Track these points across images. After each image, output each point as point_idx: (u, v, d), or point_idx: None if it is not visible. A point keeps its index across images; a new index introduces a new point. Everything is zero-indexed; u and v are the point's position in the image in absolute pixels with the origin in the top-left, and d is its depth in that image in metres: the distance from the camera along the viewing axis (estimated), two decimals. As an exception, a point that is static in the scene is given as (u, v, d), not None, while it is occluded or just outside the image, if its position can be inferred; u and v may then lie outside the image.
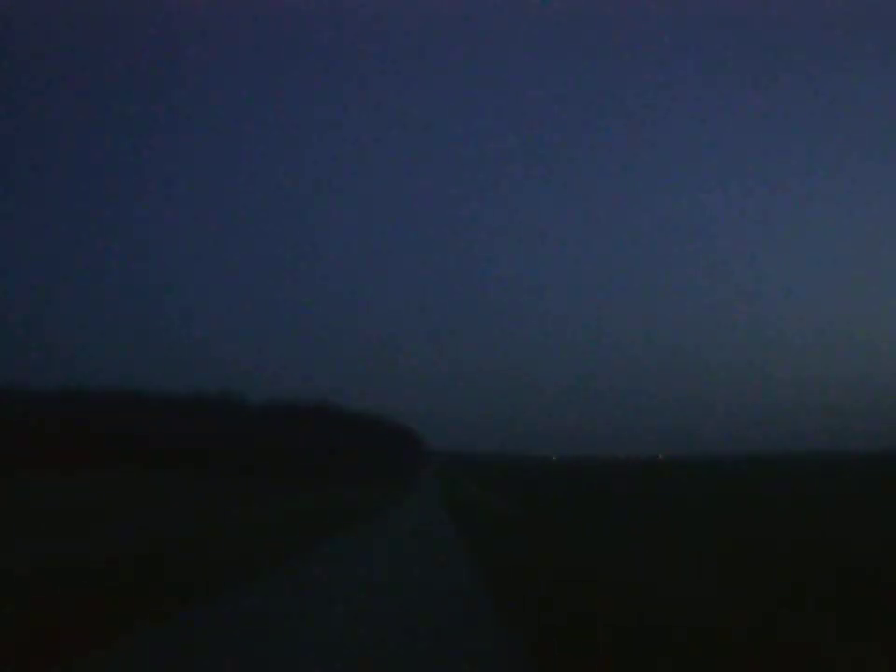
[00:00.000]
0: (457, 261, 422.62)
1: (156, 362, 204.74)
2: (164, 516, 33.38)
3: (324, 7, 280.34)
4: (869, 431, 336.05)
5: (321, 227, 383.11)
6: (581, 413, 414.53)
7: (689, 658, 8.35)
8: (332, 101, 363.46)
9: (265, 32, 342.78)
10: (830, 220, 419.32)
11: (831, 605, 12.36)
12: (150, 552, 18.24)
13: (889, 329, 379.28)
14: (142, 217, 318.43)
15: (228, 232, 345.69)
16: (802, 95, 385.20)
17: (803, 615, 11.64)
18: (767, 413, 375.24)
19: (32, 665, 7.83)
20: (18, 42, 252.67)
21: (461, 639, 9.31)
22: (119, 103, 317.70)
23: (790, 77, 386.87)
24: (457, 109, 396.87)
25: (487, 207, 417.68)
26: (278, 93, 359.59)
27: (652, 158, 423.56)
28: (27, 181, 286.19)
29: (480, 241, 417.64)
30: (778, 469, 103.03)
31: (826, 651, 8.91)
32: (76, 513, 32.63)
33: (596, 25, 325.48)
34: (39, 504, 38.34)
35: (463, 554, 19.88)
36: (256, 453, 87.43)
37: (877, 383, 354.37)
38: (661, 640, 9.16)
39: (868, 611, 11.55)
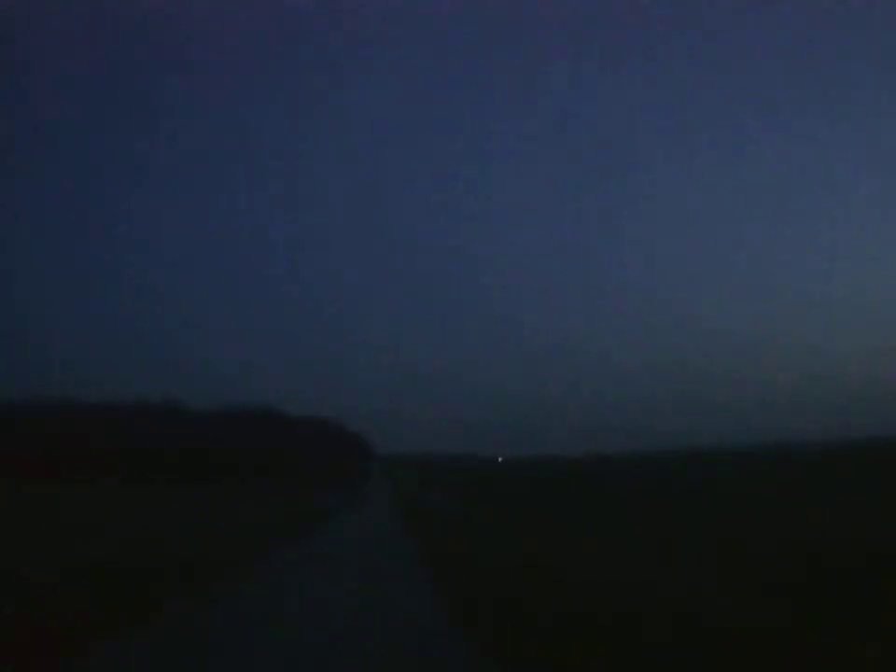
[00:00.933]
0: (411, 259, 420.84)
1: (95, 368, 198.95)
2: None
3: (324, 5, 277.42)
4: (868, 421, 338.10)
5: (271, 222, 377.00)
6: (526, 414, 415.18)
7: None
8: (336, 100, 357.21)
9: (267, 31, 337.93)
10: (830, 220, 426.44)
11: (825, 600, 12.45)
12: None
13: (889, 324, 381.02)
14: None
15: (168, 229, 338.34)
16: (802, 95, 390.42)
17: (784, 608, 11.90)
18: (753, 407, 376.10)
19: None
20: (19, 42, 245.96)
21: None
22: (120, 101, 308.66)
23: (790, 75, 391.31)
24: (455, 112, 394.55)
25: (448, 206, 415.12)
26: (279, 93, 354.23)
27: (653, 157, 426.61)
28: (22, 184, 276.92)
29: (434, 234, 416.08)
30: (755, 463, 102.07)
31: (822, 650, 8.96)
32: None
33: (596, 25, 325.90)
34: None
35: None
36: (197, 460, 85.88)
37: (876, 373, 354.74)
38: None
39: (867, 607, 11.61)
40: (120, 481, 74.74)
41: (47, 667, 8.14)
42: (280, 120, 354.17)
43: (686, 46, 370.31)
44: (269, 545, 23.60)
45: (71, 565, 16.48)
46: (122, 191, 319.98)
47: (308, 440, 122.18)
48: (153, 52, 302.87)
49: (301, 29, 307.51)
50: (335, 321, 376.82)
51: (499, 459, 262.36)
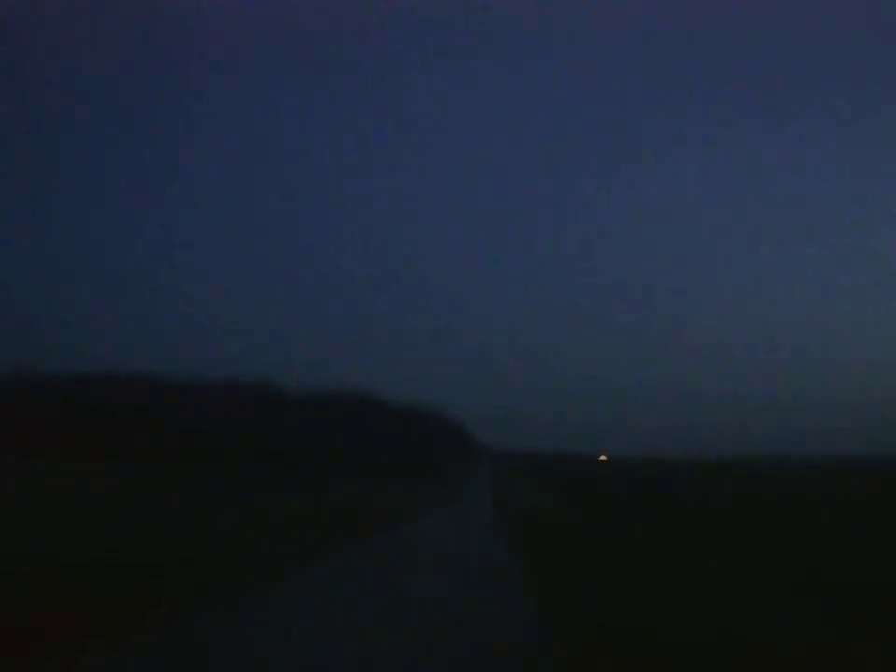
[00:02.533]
0: (519, 258, 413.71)
1: (184, 347, 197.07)
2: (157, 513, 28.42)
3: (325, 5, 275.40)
4: (870, 434, 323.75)
5: (365, 210, 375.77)
6: (633, 413, 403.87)
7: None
8: (348, 93, 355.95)
9: (270, 29, 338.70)
10: (831, 219, 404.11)
11: (826, 606, 12.55)
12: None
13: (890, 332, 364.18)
14: (174, 196, 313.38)
15: (260, 214, 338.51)
16: (801, 94, 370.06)
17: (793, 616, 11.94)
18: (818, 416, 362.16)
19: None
20: (21, 43, 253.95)
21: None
22: (122, 92, 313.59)
23: (789, 76, 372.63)
24: (474, 103, 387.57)
25: (544, 204, 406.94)
26: (289, 82, 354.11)
27: (657, 157, 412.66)
28: (31, 166, 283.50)
29: (548, 239, 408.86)
30: (789, 470, 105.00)
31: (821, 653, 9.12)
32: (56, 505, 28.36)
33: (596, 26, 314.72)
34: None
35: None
36: (290, 446, 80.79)
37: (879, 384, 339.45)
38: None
39: (866, 613, 11.65)
40: (202, 466, 70.29)
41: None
42: (304, 102, 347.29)
43: (686, 45, 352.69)
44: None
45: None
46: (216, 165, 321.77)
47: (407, 429, 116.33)
48: (155, 48, 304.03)
49: (304, 27, 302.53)
50: (448, 310, 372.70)
51: (602, 458, 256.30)
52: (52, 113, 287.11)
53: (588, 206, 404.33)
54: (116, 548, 16.71)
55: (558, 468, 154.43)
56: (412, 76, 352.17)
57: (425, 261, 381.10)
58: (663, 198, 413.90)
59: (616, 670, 8.91)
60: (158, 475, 58.15)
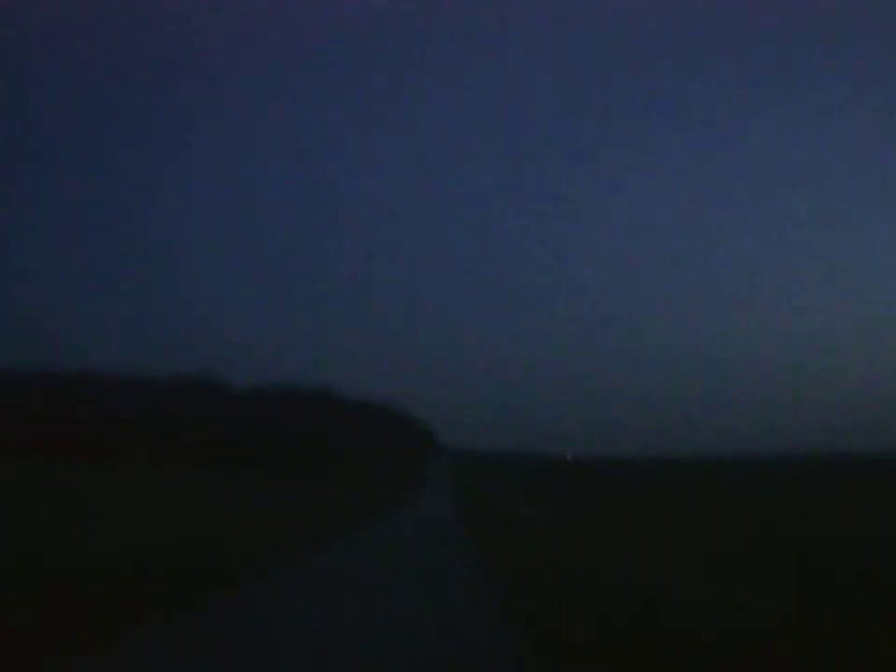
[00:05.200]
0: (483, 254, 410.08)
1: (125, 340, 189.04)
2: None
3: (324, 5, 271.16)
4: (869, 431, 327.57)
5: (328, 203, 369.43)
6: (596, 412, 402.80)
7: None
8: (342, 94, 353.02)
9: (270, 29, 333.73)
10: (830, 219, 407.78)
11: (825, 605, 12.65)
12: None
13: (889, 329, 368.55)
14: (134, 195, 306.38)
15: (218, 205, 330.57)
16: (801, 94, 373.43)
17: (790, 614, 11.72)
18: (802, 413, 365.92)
19: None
20: (24, 43, 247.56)
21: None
22: (123, 91, 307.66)
23: (790, 76, 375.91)
24: (470, 103, 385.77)
25: (515, 203, 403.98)
26: (285, 85, 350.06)
27: (655, 157, 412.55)
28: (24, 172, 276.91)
29: (507, 234, 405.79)
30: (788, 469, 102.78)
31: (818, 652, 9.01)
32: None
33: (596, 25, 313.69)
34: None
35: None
36: (237, 444, 75.00)
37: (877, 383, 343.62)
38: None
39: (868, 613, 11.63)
40: (145, 465, 64.77)
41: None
42: (307, 100, 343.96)
43: (686, 46, 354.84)
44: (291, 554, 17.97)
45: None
46: (157, 163, 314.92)
47: (364, 426, 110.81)
48: (155, 48, 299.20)
49: (303, 27, 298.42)
50: (404, 305, 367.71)
51: (568, 457, 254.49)
52: (50, 113, 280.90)
53: (547, 200, 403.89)
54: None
55: (525, 469, 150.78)
56: (409, 80, 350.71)
57: (388, 255, 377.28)
58: (626, 191, 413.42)
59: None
60: (93, 475, 54.01)
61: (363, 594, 12.64)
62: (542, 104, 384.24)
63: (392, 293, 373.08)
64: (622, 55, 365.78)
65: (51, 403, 73.48)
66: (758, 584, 15.19)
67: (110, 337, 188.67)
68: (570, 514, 40.58)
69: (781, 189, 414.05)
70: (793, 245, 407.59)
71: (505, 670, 8.01)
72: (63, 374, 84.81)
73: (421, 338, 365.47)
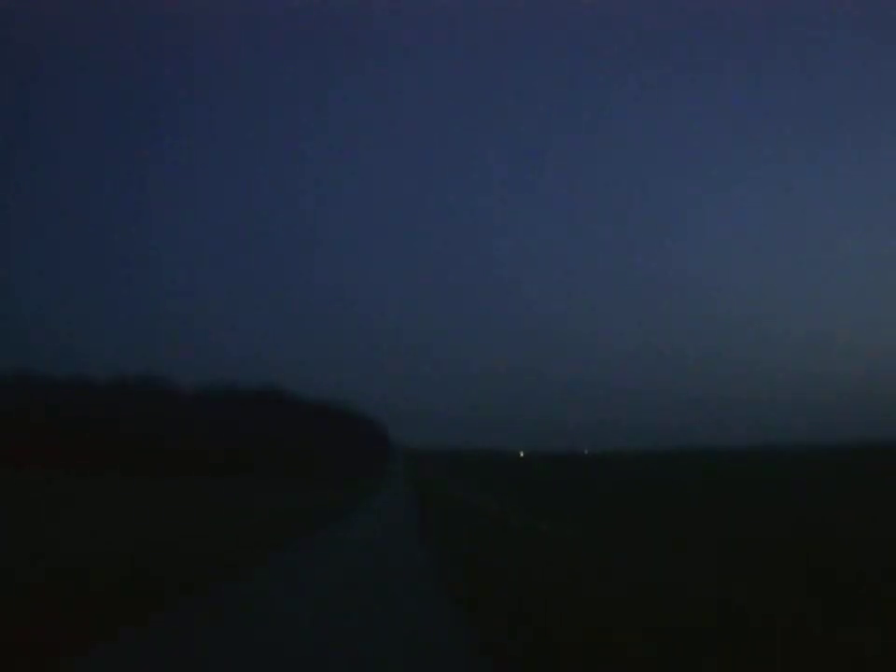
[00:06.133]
0: (437, 250, 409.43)
1: (68, 343, 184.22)
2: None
3: (323, 5, 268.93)
4: (866, 422, 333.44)
5: (284, 203, 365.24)
6: (551, 408, 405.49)
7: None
8: (337, 95, 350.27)
9: (270, 30, 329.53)
10: (829, 217, 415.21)
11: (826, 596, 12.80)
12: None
13: (888, 325, 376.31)
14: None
15: (174, 204, 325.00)
16: (800, 94, 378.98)
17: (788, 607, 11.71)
18: (763, 408, 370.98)
19: None
20: (24, 43, 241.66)
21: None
22: (123, 94, 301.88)
23: (789, 77, 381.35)
24: (461, 107, 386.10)
25: (470, 199, 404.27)
26: (282, 86, 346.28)
27: (653, 156, 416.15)
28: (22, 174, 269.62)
29: (458, 230, 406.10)
30: (772, 462, 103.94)
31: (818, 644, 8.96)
32: None
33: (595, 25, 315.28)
34: None
35: None
36: (184, 446, 73.29)
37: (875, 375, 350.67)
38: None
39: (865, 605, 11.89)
40: (94, 470, 62.92)
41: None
42: (295, 105, 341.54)
43: (685, 45, 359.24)
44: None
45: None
46: (124, 165, 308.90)
47: (319, 426, 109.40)
48: (154, 52, 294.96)
49: (302, 27, 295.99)
50: (360, 303, 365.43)
51: (521, 454, 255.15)
52: (48, 114, 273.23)
53: (492, 195, 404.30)
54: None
55: (481, 466, 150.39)
56: (410, 83, 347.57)
57: (354, 257, 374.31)
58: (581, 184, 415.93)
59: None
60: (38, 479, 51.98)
61: (325, 591, 12.72)
62: (541, 104, 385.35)
63: (350, 293, 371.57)
64: (620, 55, 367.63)
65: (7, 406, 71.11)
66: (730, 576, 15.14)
67: (66, 338, 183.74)
68: (519, 503, 40.99)
69: (781, 189, 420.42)
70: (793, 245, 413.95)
71: None
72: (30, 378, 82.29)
73: (379, 337, 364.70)
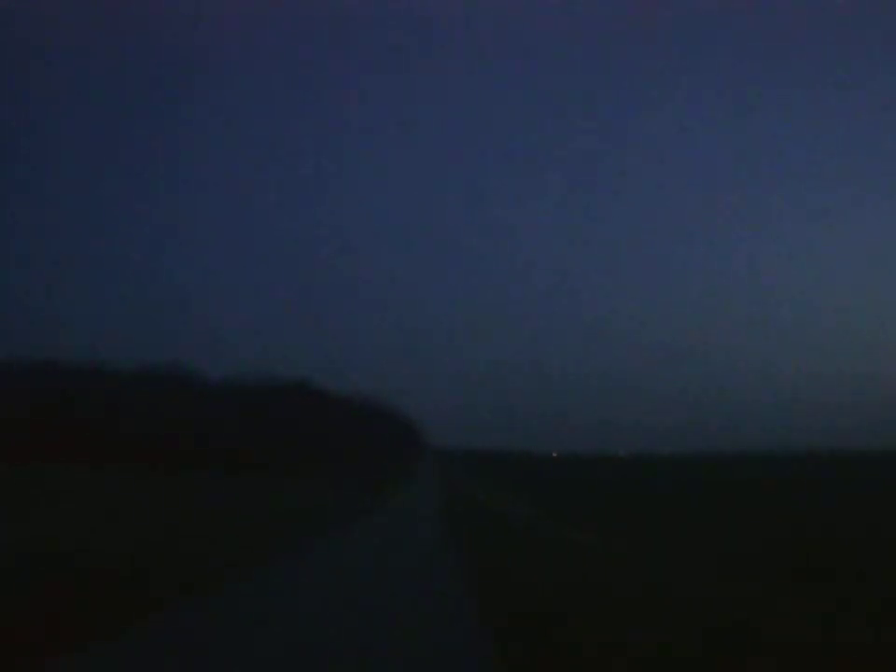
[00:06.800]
0: (472, 254, 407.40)
1: (90, 330, 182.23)
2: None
3: (322, 5, 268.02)
4: (870, 429, 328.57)
5: (317, 196, 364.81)
6: (582, 410, 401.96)
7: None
8: (337, 97, 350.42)
9: (269, 30, 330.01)
10: (830, 216, 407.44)
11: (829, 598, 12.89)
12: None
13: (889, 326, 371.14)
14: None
15: (197, 194, 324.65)
16: (799, 93, 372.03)
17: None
18: (772, 411, 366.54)
19: None
20: (24, 43, 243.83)
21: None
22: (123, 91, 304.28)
23: (788, 76, 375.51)
24: (467, 106, 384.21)
25: (504, 204, 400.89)
26: (282, 88, 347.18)
27: (655, 155, 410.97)
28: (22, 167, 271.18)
29: (498, 234, 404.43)
30: (777, 465, 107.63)
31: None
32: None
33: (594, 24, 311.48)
34: None
35: None
36: (211, 441, 70.85)
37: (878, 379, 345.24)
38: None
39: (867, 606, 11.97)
40: (114, 463, 60.74)
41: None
42: (301, 103, 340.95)
43: (686, 45, 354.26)
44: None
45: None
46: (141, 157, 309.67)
47: (349, 422, 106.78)
48: (154, 47, 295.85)
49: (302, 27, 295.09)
50: (395, 303, 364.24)
51: (554, 455, 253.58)
52: (49, 111, 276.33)
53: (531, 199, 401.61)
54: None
55: (512, 467, 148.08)
56: (417, 82, 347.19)
57: (380, 251, 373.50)
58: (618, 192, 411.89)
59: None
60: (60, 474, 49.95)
61: (350, 590, 12.54)
62: (539, 105, 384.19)
63: (382, 290, 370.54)
64: (620, 56, 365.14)
65: (14, 394, 69.20)
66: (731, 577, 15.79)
67: (82, 327, 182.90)
68: (549, 510, 39.11)
69: (780, 189, 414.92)
70: (792, 246, 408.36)
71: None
72: (31, 364, 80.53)
73: (411, 336, 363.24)
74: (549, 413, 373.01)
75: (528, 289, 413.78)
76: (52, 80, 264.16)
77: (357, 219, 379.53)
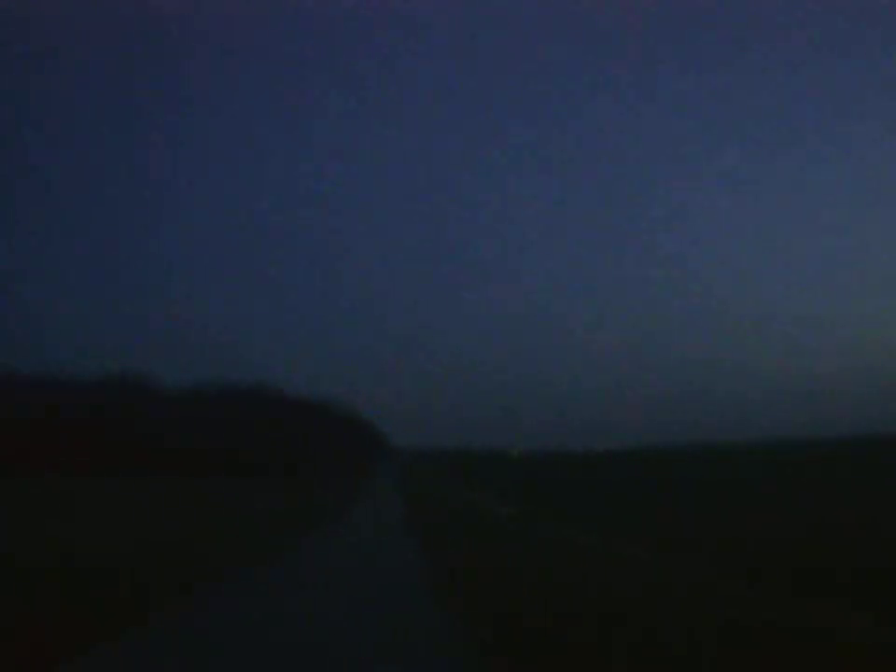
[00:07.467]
0: (431, 248, 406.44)
1: (51, 342, 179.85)
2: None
3: (322, 5, 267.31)
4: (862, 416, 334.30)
5: (278, 200, 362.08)
6: (539, 408, 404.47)
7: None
8: (336, 95, 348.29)
9: (269, 30, 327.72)
10: (826, 214, 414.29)
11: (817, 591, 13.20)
12: None
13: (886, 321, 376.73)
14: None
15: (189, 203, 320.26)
16: (798, 93, 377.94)
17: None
18: (754, 402, 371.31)
19: None
20: (24, 44, 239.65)
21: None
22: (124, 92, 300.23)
23: (788, 76, 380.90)
24: (460, 107, 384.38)
25: (464, 196, 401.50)
26: (285, 87, 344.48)
27: (649, 154, 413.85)
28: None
29: (454, 228, 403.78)
30: (760, 457, 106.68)
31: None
32: None
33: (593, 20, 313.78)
34: None
35: None
36: (168, 446, 71.02)
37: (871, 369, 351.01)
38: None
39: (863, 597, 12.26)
40: (76, 471, 60.75)
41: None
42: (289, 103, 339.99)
43: (683, 42, 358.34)
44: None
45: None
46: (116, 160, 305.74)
47: (309, 425, 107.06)
48: (154, 49, 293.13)
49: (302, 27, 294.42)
50: (353, 302, 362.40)
51: (516, 453, 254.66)
52: (48, 115, 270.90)
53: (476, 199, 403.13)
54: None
55: (474, 465, 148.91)
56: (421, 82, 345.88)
57: (350, 255, 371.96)
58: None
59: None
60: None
61: (323, 588, 12.76)
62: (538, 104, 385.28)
63: (343, 292, 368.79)
64: (620, 55, 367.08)
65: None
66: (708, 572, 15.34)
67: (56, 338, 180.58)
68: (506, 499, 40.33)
69: (780, 188, 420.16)
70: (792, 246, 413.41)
71: None
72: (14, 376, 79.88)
73: (371, 336, 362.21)
74: (515, 412, 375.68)
75: (491, 285, 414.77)
76: (49, 83, 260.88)
77: (311, 222, 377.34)
